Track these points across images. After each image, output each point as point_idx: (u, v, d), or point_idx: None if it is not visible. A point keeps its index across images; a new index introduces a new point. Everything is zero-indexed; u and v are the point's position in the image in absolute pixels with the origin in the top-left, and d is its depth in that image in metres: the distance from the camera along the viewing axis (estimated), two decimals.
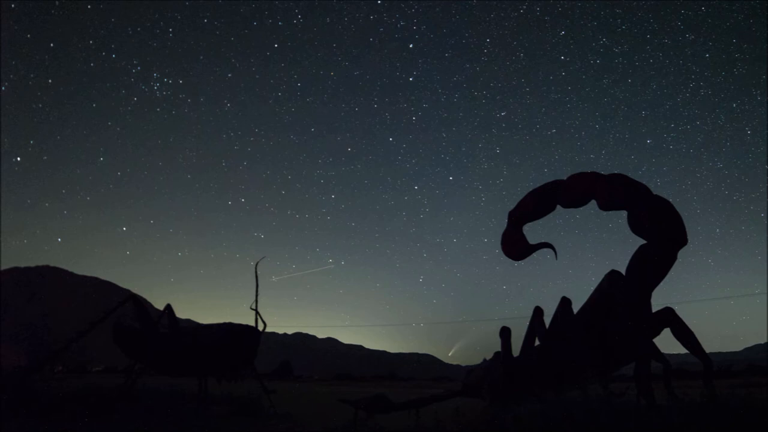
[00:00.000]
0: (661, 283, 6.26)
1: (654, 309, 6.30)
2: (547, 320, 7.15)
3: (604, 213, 6.83)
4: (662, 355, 6.61)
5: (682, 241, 6.21)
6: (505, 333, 7.54)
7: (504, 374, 7.43)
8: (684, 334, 6.24)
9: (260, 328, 10.23)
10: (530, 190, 6.90)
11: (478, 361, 8.83)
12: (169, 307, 9.75)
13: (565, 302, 6.92)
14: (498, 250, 7.16)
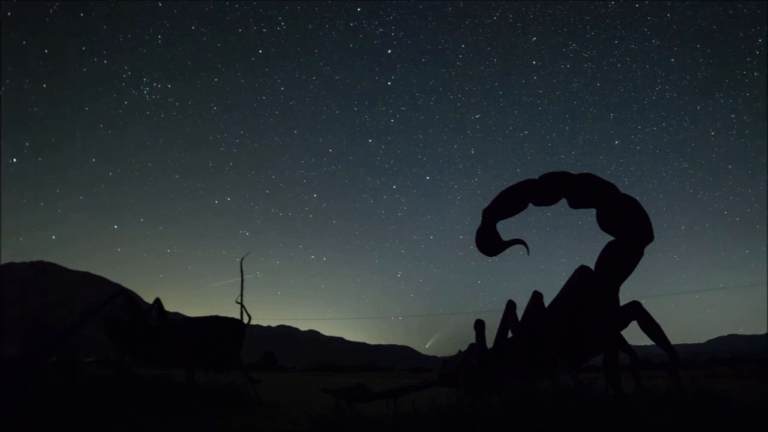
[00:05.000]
0: (629, 278, 6.28)
1: (622, 302, 6.32)
2: (520, 313, 7.16)
3: (574, 211, 6.86)
4: (629, 346, 6.65)
5: (649, 237, 6.22)
6: (479, 325, 7.55)
7: (479, 365, 7.44)
8: (650, 326, 6.26)
9: (245, 321, 10.22)
10: (503, 188, 6.91)
11: (453, 352, 8.86)
12: (158, 301, 9.66)
13: (536, 296, 6.92)
14: (473, 247, 7.15)
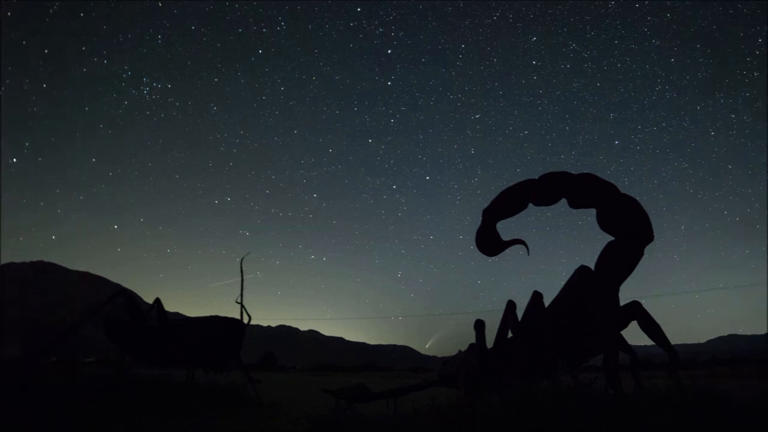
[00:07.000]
0: (629, 278, 6.27)
1: (622, 302, 6.32)
2: (520, 313, 7.16)
3: (574, 211, 6.86)
4: (629, 346, 6.65)
5: (649, 237, 6.22)
6: (479, 325, 7.54)
7: (479, 365, 7.44)
8: (650, 326, 6.25)
9: (245, 321, 10.22)
10: (503, 188, 6.90)
11: (453, 352, 8.85)
12: (158, 301, 9.66)
13: (536, 296, 6.92)
14: (473, 247, 7.13)
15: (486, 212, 6.91)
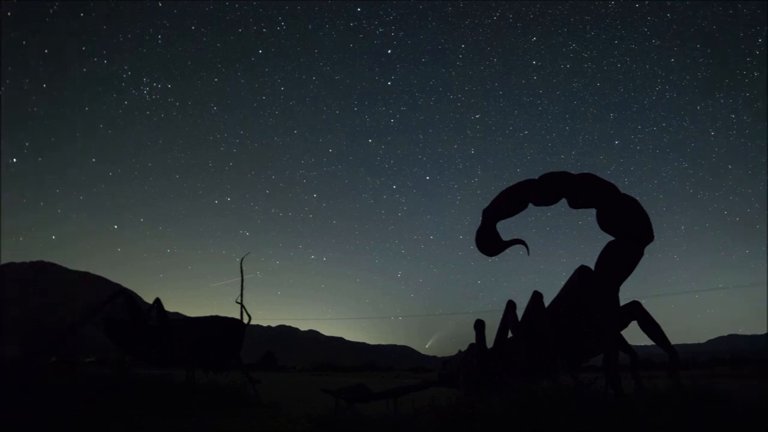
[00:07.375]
0: (629, 278, 6.27)
1: (622, 302, 6.31)
2: (520, 313, 7.15)
3: (574, 211, 6.86)
4: (629, 346, 6.64)
5: (649, 237, 6.22)
6: (479, 326, 7.54)
7: (479, 365, 7.44)
8: (650, 326, 6.25)
9: (245, 321, 10.23)
10: (503, 188, 6.89)
11: (453, 352, 8.84)
12: (158, 301, 9.66)
13: (536, 296, 6.91)
14: (473, 247, 7.12)
15: (486, 212, 6.90)
